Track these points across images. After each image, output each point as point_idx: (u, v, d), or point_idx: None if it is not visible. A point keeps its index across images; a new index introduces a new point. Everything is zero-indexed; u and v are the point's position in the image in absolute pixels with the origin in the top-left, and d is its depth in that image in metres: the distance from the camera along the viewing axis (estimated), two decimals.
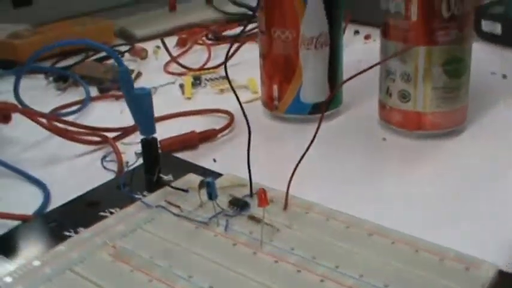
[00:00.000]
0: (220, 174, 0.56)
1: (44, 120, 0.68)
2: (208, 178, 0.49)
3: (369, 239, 0.46)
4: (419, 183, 0.58)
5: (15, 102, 0.73)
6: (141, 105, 0.56)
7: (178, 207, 0.51)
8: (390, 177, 0.59)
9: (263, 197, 0.46)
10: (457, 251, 0.44)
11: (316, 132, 0.51)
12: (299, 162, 0.51)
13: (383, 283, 0.41)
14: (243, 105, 0.56)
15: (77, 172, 0.63)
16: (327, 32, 0.67)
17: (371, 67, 0.60)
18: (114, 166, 0.62)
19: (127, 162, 0.60)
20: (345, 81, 0.58)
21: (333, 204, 0.50)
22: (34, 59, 0.66)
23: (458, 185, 0.57)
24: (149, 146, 0.57)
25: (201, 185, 0.50)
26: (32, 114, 0.67)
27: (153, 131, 0.57)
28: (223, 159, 0.63)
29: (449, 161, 0.62)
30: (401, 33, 0.63)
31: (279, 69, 0.69)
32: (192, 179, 0.55)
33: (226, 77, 0.56)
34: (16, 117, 0.68)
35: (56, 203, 0.56)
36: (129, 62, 0.94)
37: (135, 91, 0.55)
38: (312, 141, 0.51)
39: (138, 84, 0.83)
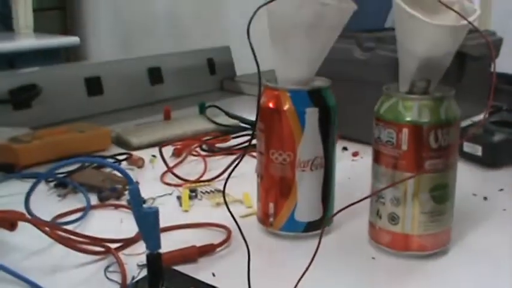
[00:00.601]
0: None
1: (48, 229, 0.72)
2: None
3: None
4: None
5: (15, 206, 0.77)
6: (149, 222, 0.60)
7: None
8: None
9: None
10: None
11: (316, 251, 0.56)
12: (298, 281, 0.55)
13: None
14: (239, 219, 0.60)
15: (81, 282, 0.66)
16: (322, 155, 0.72)
17: (364, 198, 0.65)
18: (117, 276, 0.66)
19: (133, 277, 0.63)
20: (343, 209, 0.62)
21: None
22: (54, 171, 0.71)
23: None
24: (154, 261, 0.61)
25: None
26: (39, 223, 0.71)
27: (159, 246, 0.61)
28: (222, 273, 0.67)
29: (434, 281, 0.66)
30: (391, 160, 0.68)
31: (276, 189, 0.73)
32: None
33: (225, 201, 0.61)
34: (21, 223, 0.71)
35: None
36: (126, 170, 0.98)
37: (143, 209, 0.59)
38: (310, 262, 0.56)
39: None
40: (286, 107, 0.70)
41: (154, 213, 0.60)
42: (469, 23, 0.65)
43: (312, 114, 0.70)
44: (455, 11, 0.66)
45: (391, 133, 0.67)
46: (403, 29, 0.69)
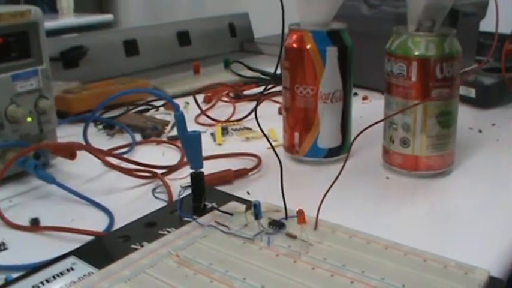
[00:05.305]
0: None
1: (103, 157, 0.72)
2: (255, 201, 0.53)
3: (386, 251, 0.50)
4: (417, 212, 0.62)
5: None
6: (193, 144, 0.60)
7: (227, 226, 0.55)
8: (394, 207, 0.63)
9: (302, 216, 0.50)
10: (457, 261, 0.48)
11: (341, 170, 0.55)
12: (326, 192, 0.55)
13: (401, 284, 0.45)
14: (268, 150, 0.60)
15: (132, 201, 0.66)
16: (341, 89, 0.72)
17: (381, 120, 0.65)
18: (163, 196, 0.66)
19: (180, 191, 0.63)
20: (363, 131, 0.59)
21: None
22: (102, 107, 0.71)
23: (449, 213, 0.62)
24: (197, 178, 0.61)
25: (248, 207, 0.54)
26: (95, 151, 0.71)
27: (201, 165, 0.61)
28: (255, 192, 0.67)
29: (441, 194, 0.66)
30: (402, 91, 0.67)
31: (300, 120, 0.73)
32: (235, 206, 0.59)
33: (258, 125, 0.61)
34: (79, 155, 0.72)
35: (118, 224, 0.59)
36: (164, 114, 0.98)
37: (187, 132, 0.59)
38: (336, 178, 0.55)
39: (175, 132, 0.87)
40: (308, 46, 0.70)
41: (197, 136, 0.60)
42: None
43: (331, 52, 0.70)
44: None
45: (402, 66, 0.67)
46: None
